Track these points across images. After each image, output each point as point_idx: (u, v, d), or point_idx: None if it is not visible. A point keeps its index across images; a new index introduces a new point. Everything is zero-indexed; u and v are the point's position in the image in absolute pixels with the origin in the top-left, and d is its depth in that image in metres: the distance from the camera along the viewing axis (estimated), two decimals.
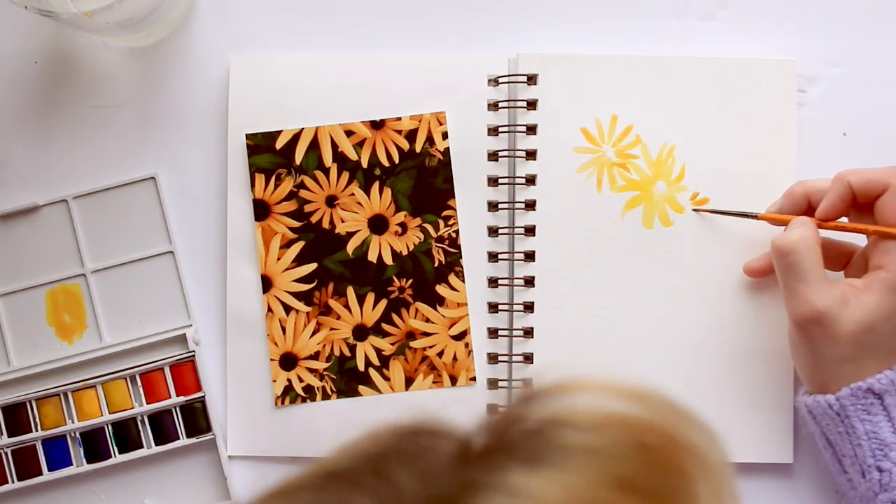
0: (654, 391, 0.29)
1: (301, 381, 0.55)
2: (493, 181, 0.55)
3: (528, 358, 0.54)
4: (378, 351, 0.55)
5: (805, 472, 0.54)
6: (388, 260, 0.55)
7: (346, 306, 0.55)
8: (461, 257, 0.55)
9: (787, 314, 0.47)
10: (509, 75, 0.55)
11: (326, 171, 0.55)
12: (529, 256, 0.55)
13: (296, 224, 0.55)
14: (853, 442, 0.46)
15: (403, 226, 0.55)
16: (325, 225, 0.55)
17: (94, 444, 0.55)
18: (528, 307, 0.54)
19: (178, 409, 0.55)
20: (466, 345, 0.55)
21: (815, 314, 0.45)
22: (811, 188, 0.49)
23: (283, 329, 0.55)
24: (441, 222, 0.55)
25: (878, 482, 0.44)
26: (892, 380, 0.45)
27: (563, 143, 0.55)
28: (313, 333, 0.55)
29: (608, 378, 0.28)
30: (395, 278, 0.55)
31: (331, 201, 0.55)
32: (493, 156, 0.55)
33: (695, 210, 0.54)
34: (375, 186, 0.55)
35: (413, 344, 0.55)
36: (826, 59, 0.56)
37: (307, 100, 0.55)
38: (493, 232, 0.55)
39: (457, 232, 0.55)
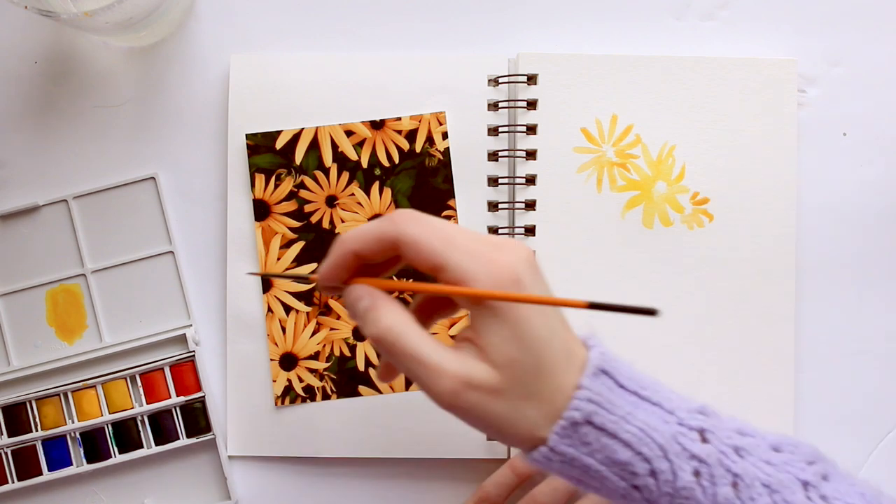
0: None
1: (301, 381, 0.55)
2: (493, 181, 0.55)
3: None
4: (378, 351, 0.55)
5: None
6: None
7: None
8: None
9: (432, 402, 0.38)
10: (509, 75, 0.55)
11: (326, 171, 0.55)
12: None
13: (296, 224, 0.55)
14: (596, 476, 0.39)
15: None
16: (326, 225, 0.55)
17: (94, 444, 0.55)
18: None
19: (178, 409, 0.55)
20: None
21: (459, 385, 0.37)
22: (351, 241, 0.40)
23: (283, 329, 0.55)
24: None
25: (643, 500, 0.39)
26: (589, 398, 0.38)
27: (563, 143, 0.55)
28: (313, 333, 0.55)
29: None
30: (394, 278, 0.55)
31: (331, 201, 0.55)
32: (493, 156, 0.55)
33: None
34: (375, 186, 0.55)
35: None
36: (826, 59, 0.56)
37: (307, 100, 0.55)
38: (493, 232, 0.55)
39: None
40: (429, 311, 0.43)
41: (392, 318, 0.38)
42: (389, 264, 0.41)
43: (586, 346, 0.40)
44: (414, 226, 0.38)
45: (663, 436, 0.38)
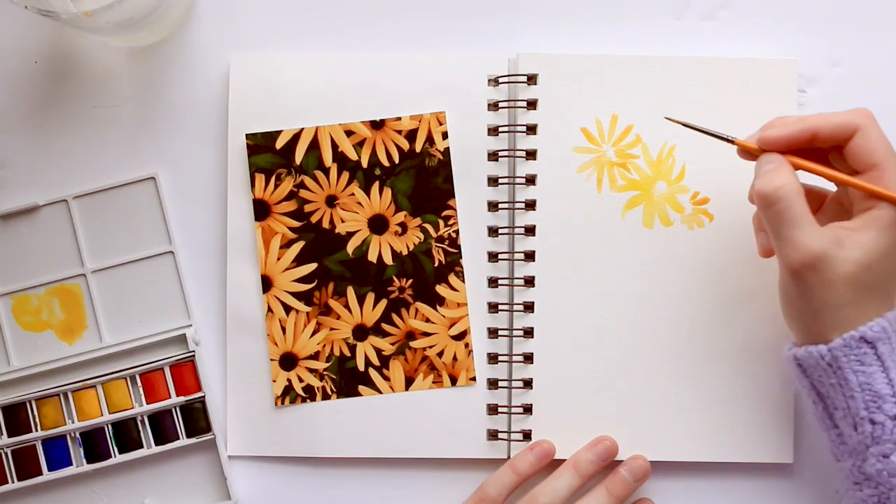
0: None
1: (301, 381, 0.55)
2: (493, 181, 0.55)
3: (528, 358, 0.54)
4: (378, 351, 0.55)
5: (805, 472, 0.54)
6: (388, 260, 0.55)
7: (346, 306, 0.55)
8: (461, 257, 0.55)
9: (780, 263, 0.45)
10: (509, 75, 0.55)
11: (326, 171, 0.55)
12: (529, 256, 0.55)
13: (296, 224, 0.55)
14: (846, 394, 0.44)
15: (403, 226, 0.55)
16: (325, 225, 0.55)
17: (94, 444, 0.55)
18: (528, 307, 0.54)
19: (178, 409, 0.55)
20: (466, 345, 0.55)
21: (812, 258, 0.43)
22: (818, 121, 0.47)
23: (283, 329, 0.55)
24: (441, 222, 0.55)
25: (870, 435, 0.43)
26: (885, 327, 0.43)
27: (563, 143, 0.55)
28: (313, 333, 0.55)
29: None
30: (395, 278, 0.55)
31: (331, 201, 0.55)
32: (493, 156, 0.55)
33: (667, 119, 0.51)
34: (375, 186, 0.55)
35: (413, 344, 0.55)
36: (826, 59, 0.56)
37: (307, 100, 0.55)
38: (493, 232, 0.55)
39: (457, 232, 0.55)
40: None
41: (785, 180, 0.44)
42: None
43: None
44: (875, 126, 0.46)
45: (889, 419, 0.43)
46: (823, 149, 0.47)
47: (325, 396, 0.55)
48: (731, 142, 0.48)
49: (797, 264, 0.44)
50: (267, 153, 0.55)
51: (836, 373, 0.44)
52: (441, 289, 0.55)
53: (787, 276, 0.45)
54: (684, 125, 0.49)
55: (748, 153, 0.47)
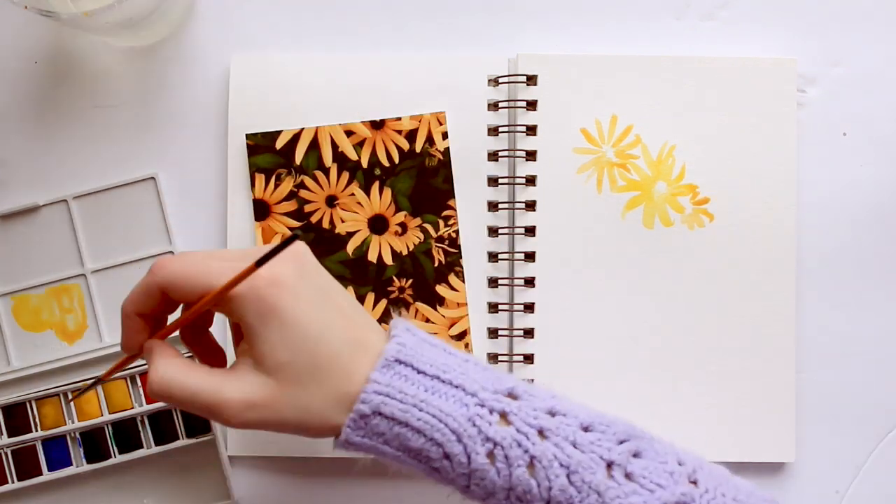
0: None
1: None
2: (493, 181, 0.55)
3: (529, 358, 0.54)
4: None
5: (806, 471, 0.54)
6: (388, 260, 0.55)
7: None
8: (461, 257, 0.55)
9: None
10: (509, 75, 0.55)
11: (326, 171, 0.55)
12: (529, 256, 0.55)
13: (296, 224, 0.55)
14: (396, 461, 0.41)
15: (403, 226, 0.55)
16: (325, 225, 0.55)
17: (94, 444, 0.55)
18: (529, 307, 0.54)
19: (178, 409, 0.55)
20: (466, 345, 0.55)
21: (246, 408, 0.39)
22: (128, 304, 0.41)
23: None
24: (441, 222, 0.55)
25: (444, 480, 0.40)
26: (376, 390, 0.39)
27: (563, 143, 0.55)
28: None
29: None
30: (395, 278, 0.55)
31: (331, 201, 0.55)
32: (493, 156, 0.55)
33: None
34: (375, 186, 0.55)
35: None
36: (826, 59, 0.56)
37: (307, 100, 0.55)
38: (493, 232, 0.55)
39: (457, 232, 0.55)
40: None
41: (163, 369, 0.40)
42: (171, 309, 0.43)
43: (389, 335, 0.42)
44: (169, 266, 0.40)
45: (457, 420, 0.39)
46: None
47: None
48: (99, 380, 0.45)
49: (237, 421, 0.39)
50: (267, 153, 0.55)
51: (373, 451, 0.41)
52: (441, 289, 0.55)
53: (245, 429, 0.40)
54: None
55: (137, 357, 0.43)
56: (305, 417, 0.40)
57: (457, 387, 0.40)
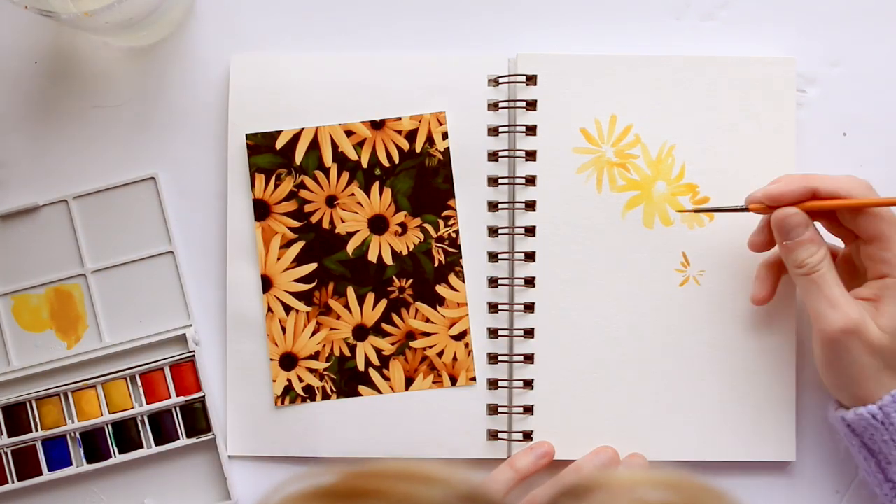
0: (688, 478, 0.30)
1: (301, 381, 0.55)
2: (493, 181, 0.55)
3: (529, 358, 0.54)
4: (378, 351, 0.55)
5: (807, 470, 0.54)
6: (388, 260, 0.55)
7: (346, 306, 0.55)
8: (461, 257, 0.55)
9: (815, 330, 0.48)
10: (509, 75, 0.55)
11: (326, 171, 0.55)
12: (529, 256, 0.55)
13: (296, 224, 0.55)
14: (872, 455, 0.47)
15: (403, 226, 0.55)
16: (325, 225, 0.55)
17: (94, 444, 0.55)
18: (529, 307, 0.54)
19: (178, 409, 0.55)
20: (466, 345, 0.55)
21: (853, 325, 0.46)
22: (815, 180, 0.49)
23: (283, 329, 0.55)
24: (441, 222, 0.55)
25: None
26: None
27: (563, 143, 0.55)
28: (313, 333, 0.55)
29: (641, 472, 0.30)
30: (395, 278, 0.55)
31: (331, 201, 0.55)
32: (493, 156, 0.55)
33: (679, 212, 0.54)
34: (375, 186, 0.55)
35: (413, 344, 0.55)
36: (826, 59, 0.56)
37: (307, 100, 0.55)
38: (493, 232, 0.55)
39: (457, 232, 0.55)
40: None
41: (824, 253, 0.47)
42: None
43: None
44: (876, 197, 0.48)
45: None
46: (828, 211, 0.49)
47: (325, 396, 0.55)
48: (745, 209, 0.51)
49: (835, 332, 0.46)
50: (267, 153, 0.55)
51: (888, 429, 0.46)
52: (441, 289, 0.55)
53: (824, 344, 0.47)
54: (696, 210, 0.53)
55: (764, 209, 0.50)
56: (872, 376, 0.46)
57: None
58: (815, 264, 0.47)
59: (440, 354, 0.55)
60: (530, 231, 0.55)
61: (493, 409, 0.54)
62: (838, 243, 0.52)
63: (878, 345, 0.46)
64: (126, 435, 0.55)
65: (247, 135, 0.55)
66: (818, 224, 0.50)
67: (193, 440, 0.55)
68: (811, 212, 0.49)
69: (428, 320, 0.55)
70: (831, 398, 0.51)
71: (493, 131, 0.55)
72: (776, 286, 0.52)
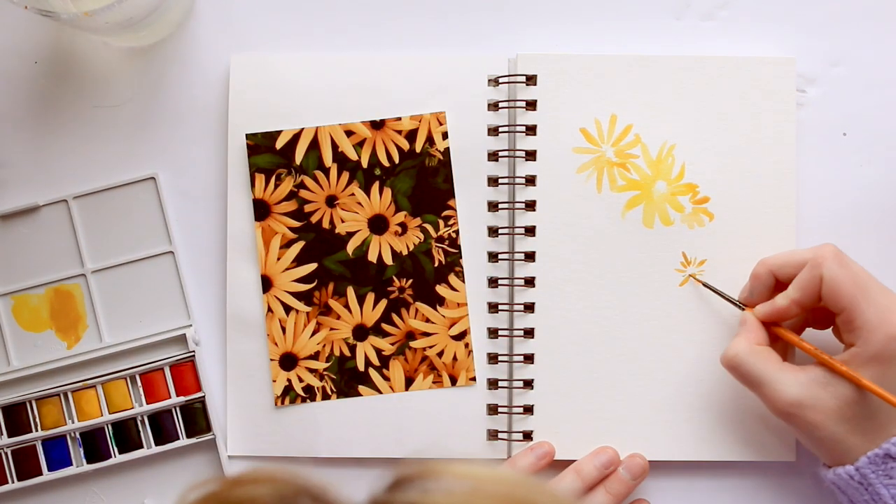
0: (525, 477, 0.31)
1: (301, 381, 0.55)
2: (493, 181, 0.55)
3: (529, 358, 0.54)
4: (378, 351, 0.55)
5: (807, 470, 0.54)
6: (388, 260, 0.55)
7: (346, 306, 0.55)
8: (461, 257, 0.55)
9: (770, 409, 0.49)
10: (509, 75, 0.55)
11: (326, 171, 0.55)
12: (529, 256, 0.54)
13: (296, 224, 0.55)
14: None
15: (403, 226, 0.55)
16: (325, 225, 0.55)
17: (94, 444, 0.55)
18: (529, 307, 0.54)
19: (178, 409, 0.55)
20: (466, 345, 0.55)
21: (789, 405, 0.47)
22: (772, 265, 0.50)
23: (283, 329, 0.55)
24: (441, 222, 0.55)
25: None
26: None
27: (563, 143, 0.55)
28: (313, 333, 0.55)
29: (470, 464, 0.30)
30: (395, 278, 0.55)
31: (331, 201, 0.55)
32: (493, 156, 0.55)
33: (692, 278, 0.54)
34: (375, 186, 0.55)
35: (413, 344, 0.55)
36: (826, 58, 0.56)
37: (307, 100, 0.55)
38: (493, 232, 0.55)
39: (457, 232, 0.55)
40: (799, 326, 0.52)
41: (737, 348, 0.49)
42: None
43: None
44: (836, 267, 0.46)
45: None
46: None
47: (325, 396, 0.55)
48: (742, 307, 0.52)
49: (779, 413, 0.48)
50: (267, 153, 0.55)
51: (867, 489, 0.46)
52: (441, 289, 0.55)
53: (782, 419, 0.48)
54: (705, 285, 0.54)
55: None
56: (839, 441, 0.46)
57: None
58: (730, 359, 0.49)
59: (440, 354, 0.55)
60: (530, 231, 0.55)
61: (493, 409, 0.54)
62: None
63: (830, 413, 0.46)
64: (126, 435, 0.55)
65: (247, 135, 0.55)
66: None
67: (193, 440, 0.55)
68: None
69: (428, 320, 0.55)
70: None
71: (493, 131, 0.55)
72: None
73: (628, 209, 0.54)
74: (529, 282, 0.54)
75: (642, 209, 0.54)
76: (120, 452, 0.55)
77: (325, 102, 0.55)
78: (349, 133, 0.55)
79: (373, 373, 0.55)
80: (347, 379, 0.55)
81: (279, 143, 0.55)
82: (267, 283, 0.55)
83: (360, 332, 0.55)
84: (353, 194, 0.55)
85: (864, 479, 0.46)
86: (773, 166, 0.54)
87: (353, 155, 0.55)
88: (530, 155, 0.55)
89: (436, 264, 0.55)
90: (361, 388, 0.55)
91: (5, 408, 0.55)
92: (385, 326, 0.55)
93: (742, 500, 0.54)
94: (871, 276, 0.47)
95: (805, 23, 0.56)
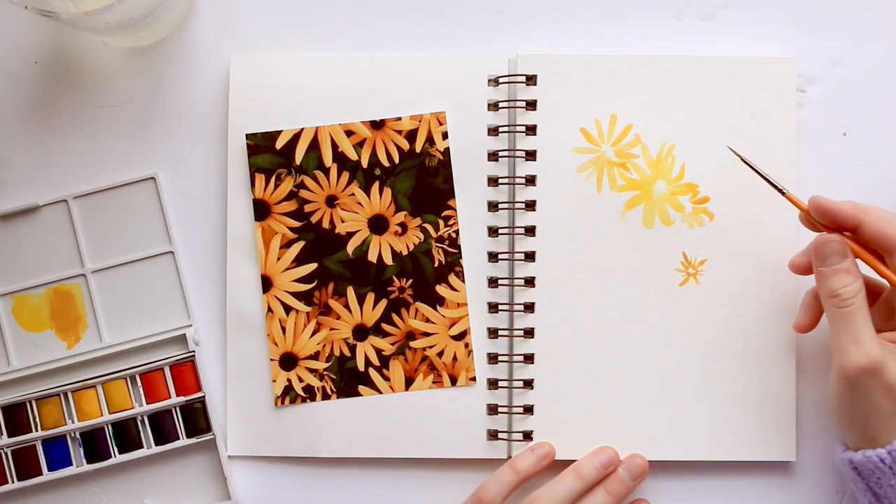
0: None
1: (301, 381, 0.55)
2: (493, 181, 0.55)
3: (529, 358, 0.54)
4: (378, 351, 0.55)
5: (807, 470, 0.54)
6: (388, 260, 0.55)
7: (346, 306, 0.55)
8: (461, 257, 0.55)
9: (835, 366, 0.46)
10: (509, 75, 0.55)
11: (326, 171, 0.55)
12: (529, 256, 0.55)
13: (296, 224, 0.55)
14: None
15: (403, 226, 0.55)
16: (325, 225, 0.55)
17: (94, 444, 0.55)
18: (529, 307, 0.54)
19: (178, 409, 0.55)
20: (466, 345, 0.55)
21: (874, 365, 0.44)
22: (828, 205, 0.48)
23: (283, 329, 0.55)
24: (441, 222, 0.55)
25: None
26: None
27: (563, 143, 0.55)
28: (313, 333, 0.55)
29: None
30: (395, 278, 0.55)
31: (331, 201, 0.55)
32: (493, 156, 0.55)
33: (729, 148, 0.53)
34: (375, 186, 0.55)
35: (413, 344, 0.55)
36: (826, 59, 0.56)
37: (307, 100, 0.55)
38: (493, 232, 0.55)
39: (457, 232, 0.55)
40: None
41: (860, 286, 0.46)
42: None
43: None
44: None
45: None
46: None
47: (325, 396, 0.55)
48: (782, 193, 0.49)
49: (854, 370, 0.45)
50: (267, 153, 0.55)
51: (894, 473, 0.45)
52: (441, 289, 0.55)
53: (842, 381, 0.46)
54: (745, 162, 0.51)
55: (815, 224, 0.49)
56: (884, 419, 0.45)
57: None
58: (847, 297, 0.46)
59: (440, 354, 0.55)
60: (530, 231, 0.55)
61: (493, 409, 0.54)
62: (883, 281, 0.51)
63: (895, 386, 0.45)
64: (126, 435, 0.55)
65: (247, 135, 0.55)
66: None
67: (193, 440, 0.55)
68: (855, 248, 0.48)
69: (428, 320, 0.55)
70: (838, 440, 0.50)
71: (493, 131, 0.55)
72: (820, 316, 0.51)
73: (628, 209, 0.54)
74: (529, 282, 0.54)
75: (642, 209, 0.54)
76: (120, 452, 0.55)
77: (325, 102, 0.55)
78: (349, 133, 0.55)
79: (373, 373, 0.55)
80: (347, 379, 0.55)
81: (279, 143, 0.55)
82: (267, 283, 0.55)
83: (360, 332, 0.55)
84: (353, 194, 0.55)
85: (868, 471, 0.45)
86: (773, 166, 0.54)
87: (353, 155, 0.55)
88: (530, 155, 0.55)
89: (436, 264, 0.55)
90: (361, 388, 0.55)
91: (5, 408, 0.55)
92: (385, 326, 0.55)
93: (742, 500, 0.55)
94: None
95: (805, 23, 0.56)
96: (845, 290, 0.46)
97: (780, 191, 0.49)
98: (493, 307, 0.55)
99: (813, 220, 0.49)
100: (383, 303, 0.55)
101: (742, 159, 0.50)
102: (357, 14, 0.56)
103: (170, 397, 0.55)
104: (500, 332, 0.55)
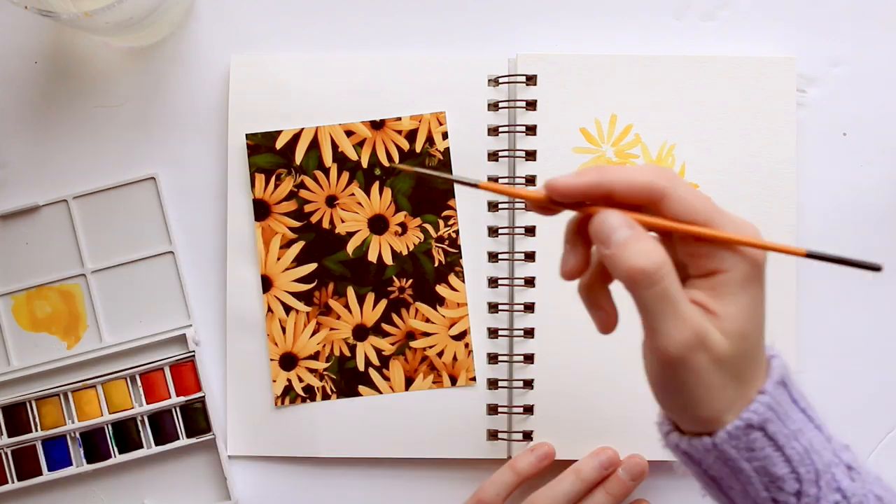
0: None
1: (301, 381, 0.55)
2: (493, 181, 0.55)
3: (529, 358, 0.54)
4: (378, 351, 0.55)
5: None
6: (388, 260, 0.55)
7: (346, 306, 0.55)
8: (461, 257, 0.55)
9: (654, 351, 0.37)
10: (509, 75, 0.55)
11: (326, 171, 0.55)
12: (529, 256, 0.54)
13: (296, 224, 0.55)
14: (742, 480, 0.39)
15: (403, 226, 0.55)
16: (325, 225, 0.55)
17: (94, 444, 0.55)
18: (529, 307, 0.54)
19: (178, 409, 0.55)
20: (466, 345, 0.55)
21: (699, 337, 0.36)
22: (616, 175, 0.38)
23: (283, 329, 0.55)
24: (441, 222, 0.55)
25: None
26: (768, 404, 0.37)
27: (563, 143, 0.55)
28: (313, 333, 0.55)
29: None
30: (395, 278, 0.55)
31: (331, 201, 0.55)
32: (493, 156, 0.55)
33: (391, 167, 0.52)
34: (375, 186, 0.55)
35: (413, 344, 0.55)
36: (826, 59, 0.56)
37: (307, 100, 0.55)
38: (493, 232, 0.55)
39: (457, 232, 0.55)
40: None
41: (663, 255, 0.36)
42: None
43: (768, 353, 0.40)
44: (683, 187, 0.37)
45: (822, 461, 0.38)
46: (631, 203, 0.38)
47: (325, 396, 0.55)
48: (476, 186, 0.39)
49: (683, 347, 0.36)
50: (267, 153, 0.55)
51: (727, 463, 0.39)
52: (441, 289, 0.55)
53: (663, 365, 0.37)
54: (412, 170, 0.45)
55: (539, 206, 0.39)
56: (716, 396, 0.37)
57: (818, 427, 0.39)
58: (652, 270, 0.36)
59: (440, 354, 0.55)
60: (530, 231, 0.55)
61: (493, 409, 0.54)
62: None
63: (723, 354, 0.37)
64: (126, 435, 0.55)
65: (247, 135, 0.55)
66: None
67: (193, 440, 0.55)
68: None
69: (428, 320, 0.55)
70: (662, 418, 0.42)
71: (493, 131, 0.55)
72: (589, 250, 0.41)
73: None
74: (529, 282, 0.54)
75: None
76: (120, 452, 0.55)
77: (325, 102, 0.55)
78: (349, 133, 0.55)
79: (373, 373, 0.55)
80: (347, 379, 0.55)
81: (279, 143, 0.55)
82: (267, 283, 0.55)
83: (360, 332, 0.55)
84: (353, 194, 0.55)
85: (722, 454, 0.38)
86: (773, 166, 0.54)
87: (353, 155, 0.55)
88: (530, 155, 0.55)
89: (436, 264, 0.55)
90: (361, 388, 0.55)
91: (5, 408, 0.55)
92: (385, 326, 0.55)
93: None
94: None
95: (805, 23, 0.56)
96: (648, 260, 0.36)
97: (473, 185, 0.39)
98: (493, 307, 0.55)
99: (554, 206, 0.39)
100: (383, 303, 0.55)
101: (407, 168, 0.50)
102: (357, 14, 0.56)
103: (170, 397, 0.55)
104: (500, 332, 0.55)
